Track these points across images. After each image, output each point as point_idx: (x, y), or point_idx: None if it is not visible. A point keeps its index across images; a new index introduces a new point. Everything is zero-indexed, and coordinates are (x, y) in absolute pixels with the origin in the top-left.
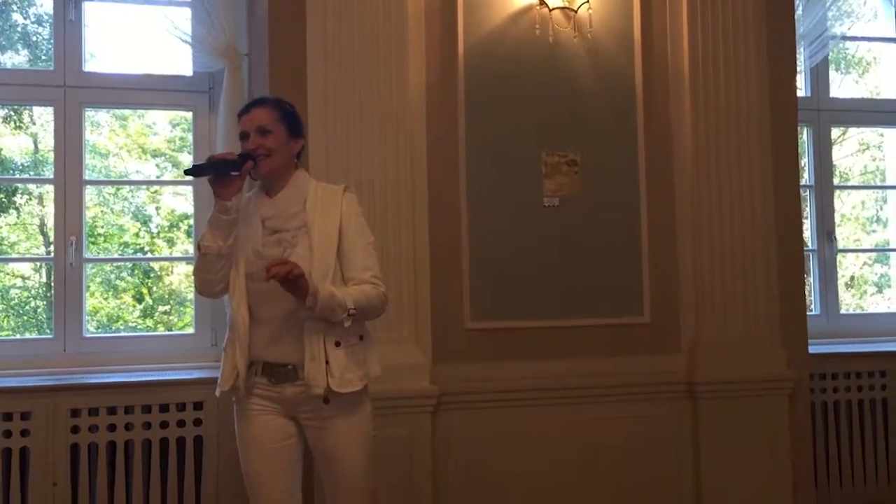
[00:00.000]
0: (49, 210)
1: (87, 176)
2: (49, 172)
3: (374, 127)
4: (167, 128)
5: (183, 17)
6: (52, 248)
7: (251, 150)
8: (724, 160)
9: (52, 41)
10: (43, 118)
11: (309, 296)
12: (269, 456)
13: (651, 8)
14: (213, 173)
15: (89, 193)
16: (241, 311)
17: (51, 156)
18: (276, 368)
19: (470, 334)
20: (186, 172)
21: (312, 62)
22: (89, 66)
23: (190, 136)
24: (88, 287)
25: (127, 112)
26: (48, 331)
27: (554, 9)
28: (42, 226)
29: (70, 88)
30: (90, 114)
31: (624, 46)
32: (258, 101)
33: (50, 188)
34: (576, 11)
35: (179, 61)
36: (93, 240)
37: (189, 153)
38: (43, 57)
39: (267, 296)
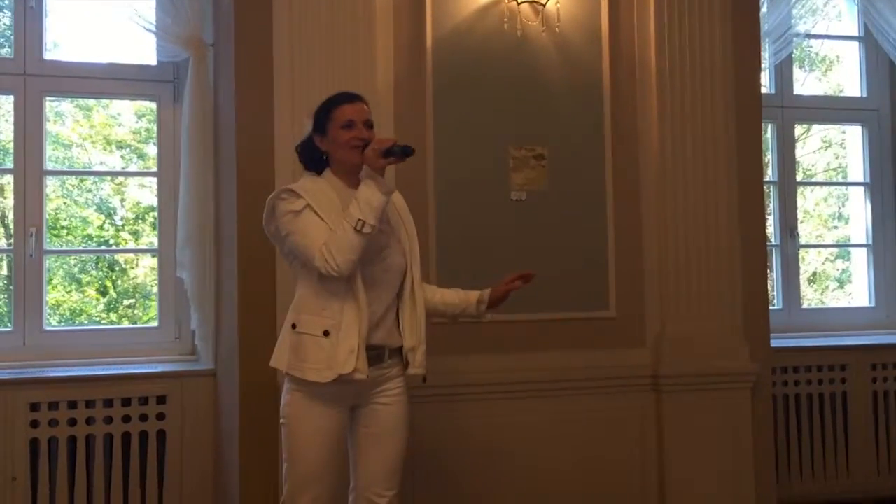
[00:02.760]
0: (9, 201)
1: (48, 167)
2: (9, 162)
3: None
4: (132, 118)
5: (147, 6)
6: (12, 239)
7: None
8: (690, 155)
9: (12, 28)
10: (3, 107)
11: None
12: (336, 448)
13: (618, 3)
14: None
15: (52, 185)
16: (361, 294)
17: (11, 146)
18: (369, 352)
19: (436, 327)
20: (406, 153)
21: (279, 53)
22: (51, 54)
23: (155, 127)
24: (51, 280)
25: (91, 102)
26: (7, 324)
27: (522, 3)
28: (3, 217)
29: (30, 77)
30: (53, 104)
31: (591, 41)
32: (357, 94)
33: (10, 178)
34: (544, 6)
35: (143, 51)
36: (56, 232)
37: (154, 144)
38: (4, 44)
39: (375, 280)
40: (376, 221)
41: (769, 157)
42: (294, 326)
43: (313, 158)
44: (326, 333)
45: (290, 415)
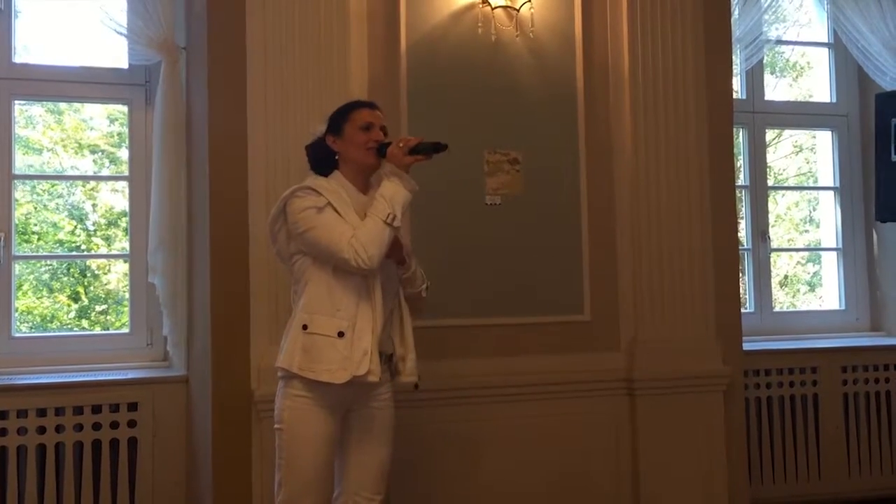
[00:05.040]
0: None
1: (18, 171)
2: None
3: (315, 124)
4: (104, 123)
5: (118, 9)
6: None
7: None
8: (663, 160)
9: None
10: None
11: (405, 255)
12: (332, 453)
13: (592, 9)
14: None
15: (22, 191)
16: (377, 296)
17: None
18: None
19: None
20: (437, 149)
21: (252, 58)
22: (20, 57)
23: (127, 132)
24: (21, 287)
25: (63, 106)
26: None
27: (496, 7)
28: None
29: None
30: (23, 108)
31: (565, 46)
32: (375, 103)
33: None
34: (518, 10)
35: (115, 54)
36: (26, 237)
37: (127, 148)
38: None
39: (382, 285)
40: (401, 217)
41: (741, 162)
42: (305, 327)
43: (322, 160)
44: (341, 334)
45: (290, 420)
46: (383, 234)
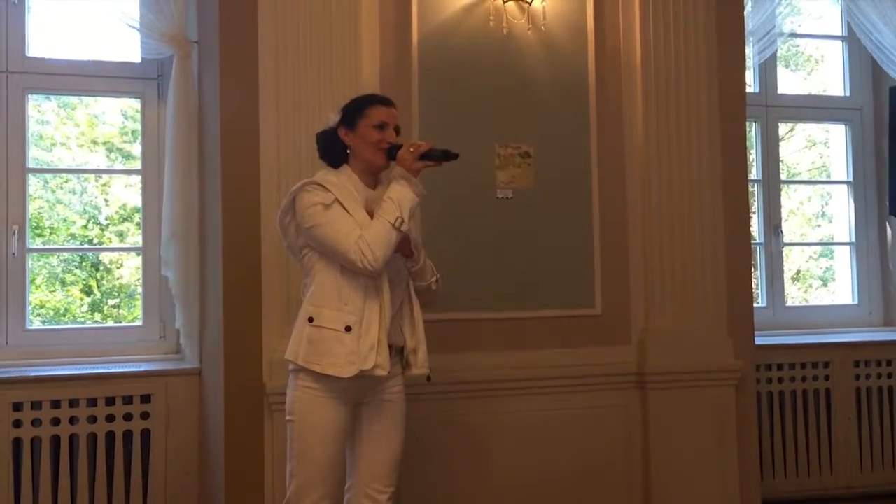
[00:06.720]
0: None
1: (32, 167)
2: None
3: (326, 117)
4: (118, 118)
5: (131, 3)
6: None
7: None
8: (675, 154)
9: None
10: None
11: (413, 247)
12: (342, 445)
13: (604, 1)
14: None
15: (35, 186)
16: (385, 290)
17: None
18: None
19: (425, 326)
20: (447, 157)
21: (264, 50)
22: (34, 51)
23: (140, 127)
24: (34, 280)
25: (74, 100)
26: None
27: (508, 1)
28: None
29: (13, 74)
30: (36, 103)
31: (577, 39)
32: (390, 99)
33: None
34: (530, 4)
35: (127, 48)
36: (39, 232)
37: (140, 143)
38: None
39: (390, 279)
40: (409, 221)
41: (753, 156)
42: (311, 320)
43: (332, 150)
44: (348, 329)
45: (300, 411)
46: (391, 237)
